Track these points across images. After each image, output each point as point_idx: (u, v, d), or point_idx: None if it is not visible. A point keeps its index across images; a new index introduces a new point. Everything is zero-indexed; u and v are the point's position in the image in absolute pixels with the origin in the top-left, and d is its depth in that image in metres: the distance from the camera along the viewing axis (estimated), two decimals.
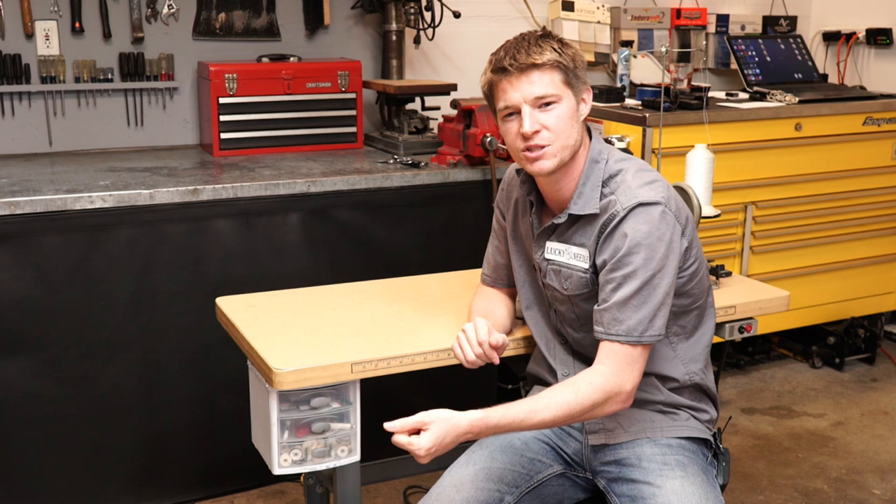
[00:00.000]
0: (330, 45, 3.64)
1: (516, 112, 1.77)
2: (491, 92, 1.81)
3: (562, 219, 1.84)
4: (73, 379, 2.75)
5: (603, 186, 1.81)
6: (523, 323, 2.06)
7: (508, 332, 2.03)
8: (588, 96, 1.82)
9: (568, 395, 1.71)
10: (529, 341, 2.05)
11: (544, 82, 1.75)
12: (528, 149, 1.77)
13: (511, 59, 1.74)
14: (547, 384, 1.97)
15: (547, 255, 1.89)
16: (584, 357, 1.92)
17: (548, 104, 1.76)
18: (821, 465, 3.27)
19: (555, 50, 1.75)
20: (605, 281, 1.77)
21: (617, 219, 1.75)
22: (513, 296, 2.11)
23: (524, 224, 1.97)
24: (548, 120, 1.76)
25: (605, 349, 1.75)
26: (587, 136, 1.86)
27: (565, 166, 1.80)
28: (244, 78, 3.25)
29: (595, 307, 1.78)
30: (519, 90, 1.75)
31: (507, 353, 2.05)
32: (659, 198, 1.75)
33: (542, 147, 1.77)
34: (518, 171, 1.96)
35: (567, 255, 1.85)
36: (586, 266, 1.82)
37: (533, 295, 2.00)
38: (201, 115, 3.44)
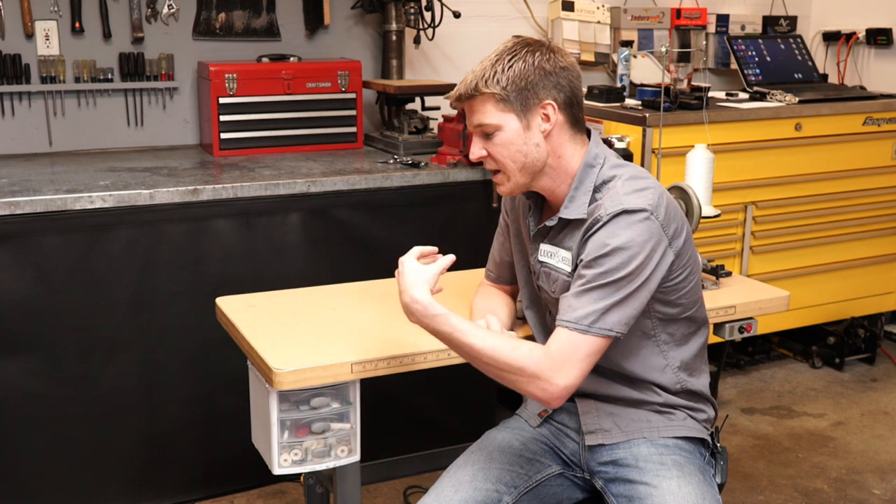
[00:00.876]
0: (330, 45, 3.64)
1: None
2: None
3: (553, 221, 1.85)
4: (73, 379, 2.75)
5: (595, 192, 1.81)
6: (524, 322, 2.06)
7: (510, 328, 2.04)
8: (550, 109, 1.77)
9: (505, 345, 1.70)
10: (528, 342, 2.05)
11: (484, 111, 1.78)
12: (492, 171, 1.86)
13: (458, 88, 1.82)
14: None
15: (540, 258, 1.90)
16: None
17: (488, 134, 1.80)
18: (821, 465, 3.27)
19: (490, 78, 1.76)
20: (576, 276, 1.76)
21: (599, 224, 1.74)
22: (514, 294, 2.12)
23: (524, 226, 1.97)
24: (493, 147, 1.80)
25: (555, 334, 1.71)
26: (583, 140, 1.83)
27: (545, 176, 1.81)
28: (244, 78, 3.25)
29: (565, 298, 1.75)
30: (469, 118, 1.83)
31: None
32: (645, 205, 1.72)
33: (497, 172, 1.83)
34: None
35: (556, 259, 1.86)
36: (569, 269, 1.82)
37: (532, 295, 2.01)
38: (201, 115, 3.44)
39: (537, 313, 2.01)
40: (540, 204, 1.92)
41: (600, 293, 1.70)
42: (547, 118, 1.78)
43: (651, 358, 1.87)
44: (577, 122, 1.82)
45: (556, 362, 1.68)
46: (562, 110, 1.78)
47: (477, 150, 1.83)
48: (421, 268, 1.73)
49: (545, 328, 1.99)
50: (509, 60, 1.76)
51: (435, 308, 1.70)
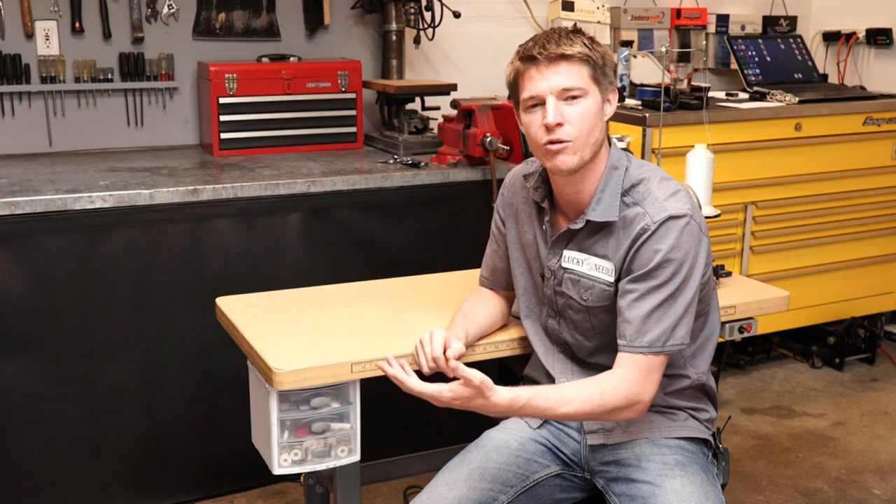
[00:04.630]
0: (330, 45, 3.64)
1: (541, 103, 1.74)
2: (516, 81, 1.78)
3: (579, 224, 1.82)
4: (73, 379, 2.75)
5: (624, 195, 1.79)
6: (517, 321, 2.06)
7: (489, 334, 2.03)
8: (614, 97, 1.80)
9: (593, 394, 1.72)
10: (528, 342, 2.04)
11: (572, 74, 1.73)
12: (551, 142, 1.74)
13: (540, 49, 1.72)
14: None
15: (564, 264, 1.86)
16: (585, 364, 1.92)
17: (574, 97, 1.73)
18: (821, 465, 3.27)
19: (585, 44, 1.74)
20: (626, 290, 1.76)
21: (648, 233, 1.74)
22: (509, 298, 2.10)
23: (530, 231, 1.94)
24: (572, 114, 1.73)
25: (626, 357, 1.75)
26: (607, 140, 1.84)
27: (585, 167, 1.78)
28: (244, 78, 3.25)
29: (619, 319, 1.77)
30: (546, 80, 1.73)
31: (506, 354, 2.06)
32: (686, 209, 1.75)
33: (565, 142, 1.74)
34: (527, 178, 1.95)
35: (587, 266, 1.83)
36: (611, 280, 1.80)
37: (535, 303, 1.99)
38: (201, 115, 3.44)
39: (538, 322, 1.99)
40: (551, 207, 1.89)
41: (663, 309, 1.73)
42: (610, 102, 1.79)
43: (672, 354, 1.87)
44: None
45: (640, 385, 1.74)
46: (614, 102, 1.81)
47: (555, 115, 1.72)
48: (464, 389, 1.66)
49: (547, 336, 1.97)
50: (589, 38, 1.76)
51: (517, 401, 1.69)
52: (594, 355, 1.90)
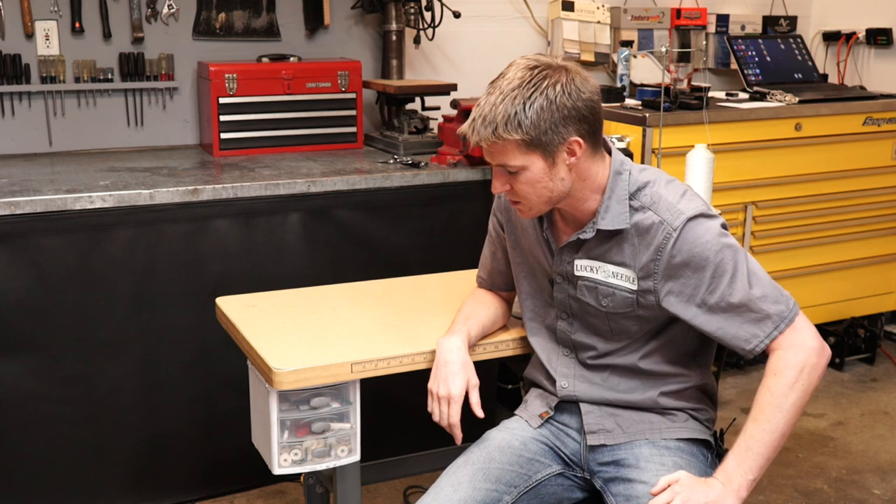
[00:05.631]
0: (330, 45, 3.64)
1: None
2: None
3: (588, 234, 1.80)
4: (73, 379, 2.75)
5: (630, 199, 1.78)
6: (517, 320, 2.06)
7: (490, 334, 2.04)
8: (576, 145, 1.71)
9: (780, 385, 1.71)
10: (521, 342, 2.05)
11: (503, 154, 1.71)
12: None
13: (473, 134, 1.72)
14: (545, 390, 1.98)
15: (578, 272, 1.85)
16: (591, 367, 1.91)
17: (512, 172, 1.73)
18: (821, 465, 3.27)
19: (506, 123, 1.66)
20: (712, 309, 1.73)
21: (672, 240, 1.72)
22: (509, 299, 2.11)
23: (530, 237, 1.93)
24: (516, 185, 1.74)
25: (780, 342, 1.73)
26: (603, 152, 1.80)
27: (572, 192, 1.76)
28: (244, 78, 3.25)
29: (730, 336, 1.75)
30: (488, 155, 1.75)
31: (506, 354, 2.07)
32: (700, 206, 1.75)
33: (517, 202, 1.79)
34: None
35: (604, 273, 1.82)
36: (633, 287, 1.79)
37: (541, 306, 1.98)
38: (201, 115, 3.44)
39: (542, 325, 1.98)
40: (551, 216, 1.88)
41: (754, 290, 1.71)
42: (573, 153, 1.72)
43: (670, 353, 1.88)
44: (599, 141, 1.78)
45: (801, 341, 1.71)
46: (587, 141, 1.73)
47: (500, 185, 1.75)
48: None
49: (551, 339, 1.97)
50: (529, 97, 1.66)
51: (744, 476, 1.71)
52: (604, 357, 1.89)
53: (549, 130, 1.68)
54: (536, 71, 1.68)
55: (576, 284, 1.86)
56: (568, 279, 1.88)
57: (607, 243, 1.80)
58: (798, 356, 1.71)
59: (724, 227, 1.78)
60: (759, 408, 1.73)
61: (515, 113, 1.66)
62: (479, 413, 1.86)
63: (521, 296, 2.01)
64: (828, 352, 1.75)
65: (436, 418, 1.89)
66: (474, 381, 1.88)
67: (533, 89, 1.66)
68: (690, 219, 1.73)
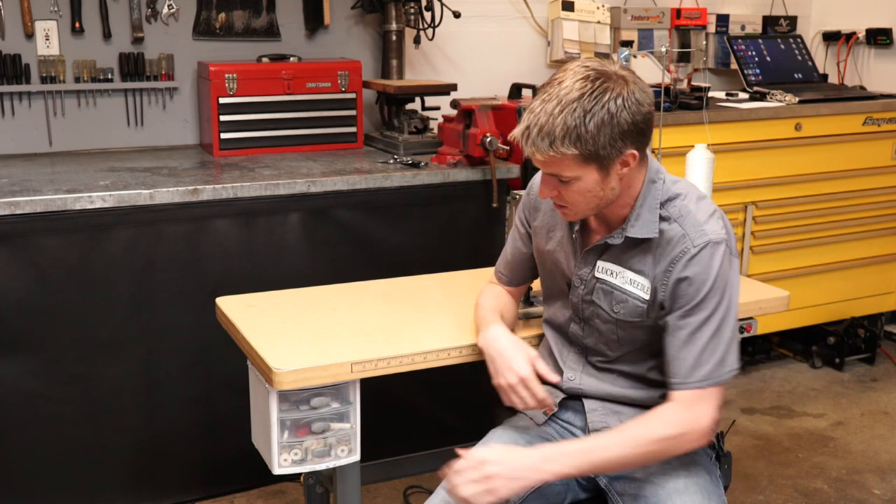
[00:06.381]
0: (330, 45, 3.64)
1: None
2: None
3: (616, 240, 1.79)
4: (73, 379, 2.75)
5: (660, 208, 1.77)
6: (526, 319, 2.05)
7: (513, 331, 2.02)
8: (631, 157, 1.68)
9: (640, 434, 1.71)
10: (530, 341, 2.04)
11: (559, 165, 1.67)
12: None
13: (528, 145, 1.66)
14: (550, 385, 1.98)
15: (598, 274, 1.84)
16: (600, 368, 1.91)
17: (564, 181, 1.70)
18: (821, 465, 3.27)
19: (565, 137, 1.61)
20: (678, 326, 1.74)
21: (688, 256, 1.72)
22: (518, 296, 2.11)
23: (556, 238, 1.92)
24: (565, 192, 1.71)
25: (679, 394, 1.74)
26: (644, 162, 1.78)
27: (618, 201, 1.75)
28: (244, 78, 3.25)
29: (668, 358, 1.75)
30: (539, 164, 1.71)
31: None
32: (724, 234, 1.74)
33: (564, 207, 1.76)
34: None
35: (622, 279, 1.81)
36: (646, 297, 1.78)
37: (561, 306, 1.96)
38: (201, 115, 3.44)
39: (562, 325, 1.97)
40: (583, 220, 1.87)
41: (714, 343, 1.72)
42: (626, 164, 1.69)
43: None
44: (647, 151, 1.78)
45: (693, 412, 1.72)
46: (641, 153, 1.71)
47: (548, 191, 1.72)
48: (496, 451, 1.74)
49: (566, 339, 1.96)
50: (590, 111, 1.60)
51: (562, 468, 1.70)
52: (613, 363, 1.89)
53: (608, 145, 1.64)
54: (598, 83, 1.62)
55: (593, 288, 1.85)
56: (585, 283, 1.86)
57: (633, 250, 1.79)
58: (686, 426, 1.71)
59: (734, 253, 1.79)
60: (626, 432, 1.73)
61: (575, 126, 1.61)
62: (554, 378, 1.87)
63: (544, 294, 2.02)
64: (708, 440, 1.75)
65: (520, 406, 1.85)
66: (532, 353, 1.87)
67: (594, 102, 1.61)
68: (714, 243, 1.73)
